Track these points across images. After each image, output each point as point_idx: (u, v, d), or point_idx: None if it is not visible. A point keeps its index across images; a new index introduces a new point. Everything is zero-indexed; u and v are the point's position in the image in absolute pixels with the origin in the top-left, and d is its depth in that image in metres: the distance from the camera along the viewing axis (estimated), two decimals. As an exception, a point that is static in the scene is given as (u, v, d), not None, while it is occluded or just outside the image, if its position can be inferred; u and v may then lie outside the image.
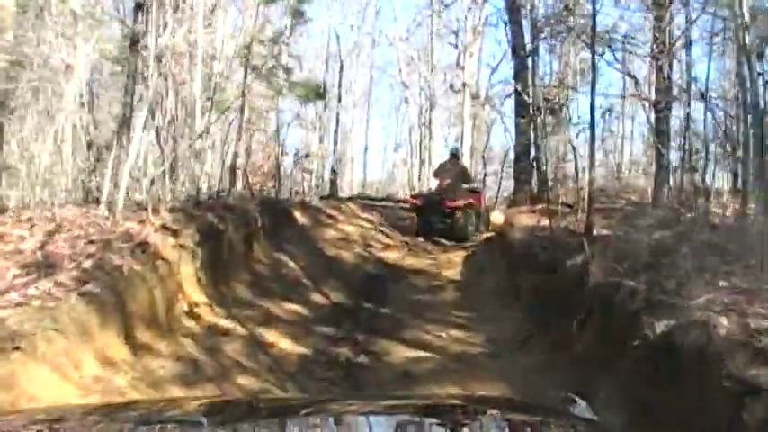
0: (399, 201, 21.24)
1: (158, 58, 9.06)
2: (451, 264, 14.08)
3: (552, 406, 2.82)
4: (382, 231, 17.21)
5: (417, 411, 2.53)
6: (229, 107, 11.55)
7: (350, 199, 19.63)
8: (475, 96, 24.21)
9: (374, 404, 2.72)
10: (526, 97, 13.77)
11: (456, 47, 32.23)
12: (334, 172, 20.84)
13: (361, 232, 16.53)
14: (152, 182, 9.45)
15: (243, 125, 12.41)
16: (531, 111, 13.49)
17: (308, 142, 43.21)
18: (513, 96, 14.85)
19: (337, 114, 21.32)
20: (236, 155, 12.37)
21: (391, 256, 15.00)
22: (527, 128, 14.43)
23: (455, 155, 17.85)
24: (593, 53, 10.33)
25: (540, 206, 12.62)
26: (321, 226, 15.70)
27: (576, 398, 2.41)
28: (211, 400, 3.92)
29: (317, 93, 11.77)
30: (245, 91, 11.53)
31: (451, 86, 27.25)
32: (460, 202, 15.93)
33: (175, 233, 8.99)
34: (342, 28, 37.37)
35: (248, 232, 11.65)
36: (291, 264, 12.54)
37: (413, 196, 17.82)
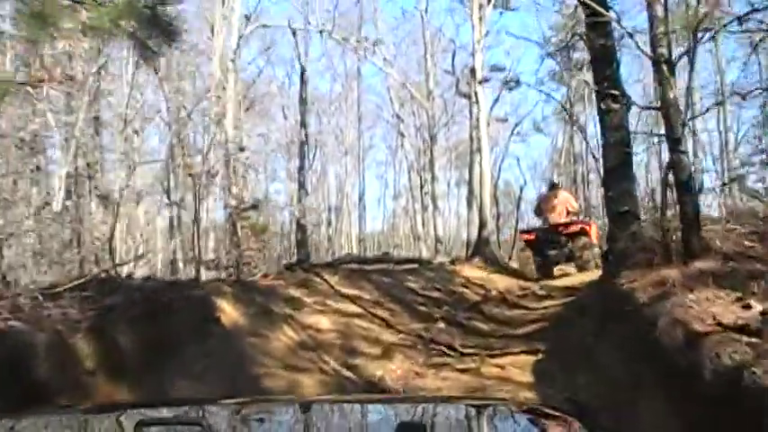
0: (402, 261, 13.93)
1: None
2: (513, 387, 6.77)
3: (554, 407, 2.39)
4: (379, 318, 9.82)
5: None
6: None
7: (330, 265, 12.38)
8: (509, 82, 16.82)
9: (376, 403, 2.58)
10: (647, 49, 6.33)
11: (452, 73, 25.63)
12: (302, 229, 13.30)
13: (343, 324, 9.14)
14: None
15: None
16: (662, 64, 6.08)
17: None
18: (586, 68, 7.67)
19: (301, 143, 13.91)
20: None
21: (395, 372, 7.69)
22: (620, 115, 7.30)
23: (555, 185, 15.69)
24: None
25: (698, 265, 5.42)
26: (270, 323, 8.35)
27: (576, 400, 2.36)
28: (211, 400, 3.27)
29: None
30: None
31: (464, 95, 19.78)
32: (575, 228, 13.82)
33: None
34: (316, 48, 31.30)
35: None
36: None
37: (522, 232, 15.88)
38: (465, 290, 12.33)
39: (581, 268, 13.30)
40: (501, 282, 13.18)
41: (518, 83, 18.01)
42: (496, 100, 22.15)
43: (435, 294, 11.82)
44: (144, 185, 16.76)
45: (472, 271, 13.91)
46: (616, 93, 7.29)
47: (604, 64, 7.53)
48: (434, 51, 25.93)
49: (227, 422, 2.20)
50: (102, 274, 7.69)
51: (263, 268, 12.12)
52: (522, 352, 7.76)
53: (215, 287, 8.58)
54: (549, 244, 13.76)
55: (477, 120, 15.71)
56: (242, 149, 12.34)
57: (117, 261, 7.97)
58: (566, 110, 22.80)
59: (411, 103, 30.76)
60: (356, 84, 34.43)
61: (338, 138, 40.69)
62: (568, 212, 14.15)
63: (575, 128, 35.44)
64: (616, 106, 7.33)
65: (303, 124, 13.65)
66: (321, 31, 15.76)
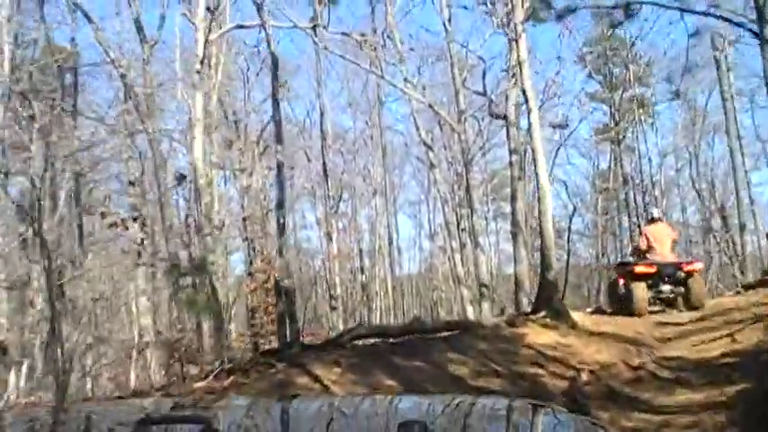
0: (439, 328, 9.30)
1: None
2: None
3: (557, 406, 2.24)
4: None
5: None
6: None
7: (334, 344, 7.80)
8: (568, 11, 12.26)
9: (377, 402, 2.41)
10: None
11: (484, 93, 21.41)
12: (286, 295, 8.41)
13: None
14: None
15: None
16: None
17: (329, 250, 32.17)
18: None
19: (278, 167, 9.00)
20: None
21: None
22: None
23: (656, 218, 13.38)
24: None
25: None
26: None
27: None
28: (215, 400, 3.44)
29: None
30: None
31: (498, 116, 15.79)
32: (697, 266, 12.60)
33: None
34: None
35: None
36: None
37: (636, 264, 12.73)
38: (539, 371, 7.69)
39: (690, 308, 11.74)
40: (589, 350, 8.53)
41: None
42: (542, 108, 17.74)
43: (494, 383, 7.21)
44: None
45: (541, 334, 9.26)
46: None
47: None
48: (462, 66, 21.66)
49: (230, 421, 2.00)
50: None
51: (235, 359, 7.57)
52: None
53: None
54: (666, 279, 12.23)
55: (529, 125, 11.17)
56: (182, 177, 7.91)
57: None
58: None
59: (441, 135, 26.66)
60: (378, 116, 30.35)
61: (366, 178, 36.70)
62: (674, 244, 13.06)
63: (621, 146, 30.99)
64: None
65: (279, 138, 9.06)
66: (315, 27, 11.42)
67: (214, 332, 8.87)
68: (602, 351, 8.52)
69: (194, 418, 1.83)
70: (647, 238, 12.64)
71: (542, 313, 10.43)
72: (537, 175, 11.25)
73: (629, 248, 16.81)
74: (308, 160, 33.44)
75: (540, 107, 22.49)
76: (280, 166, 8.83)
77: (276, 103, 9.24)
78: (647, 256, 12.36)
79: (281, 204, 8.34)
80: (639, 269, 12.23)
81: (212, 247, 9.98)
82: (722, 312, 9.92)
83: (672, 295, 12.29)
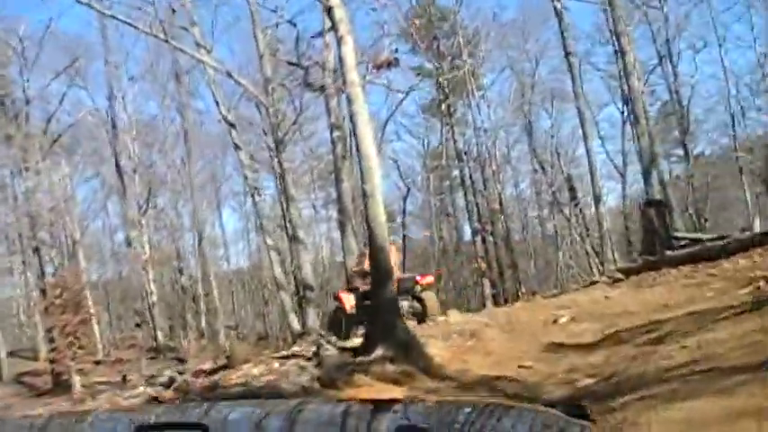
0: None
1: None
2: None
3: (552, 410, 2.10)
4: None
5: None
6: None
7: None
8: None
9: (377, 407, 2.23)
10: None
11: (298, 64, 17.64)
12: None
13: None
14: None
15: None
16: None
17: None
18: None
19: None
20: None
21: None
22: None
23: None
24: None
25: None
26: None
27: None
28: (213, 404, 3.24)
29: None
30: None
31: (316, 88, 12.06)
32: (429, 279, 13.00)
33: None
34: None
35: None
36: None
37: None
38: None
39: (420, 321, 11.43)
40: None
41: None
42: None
43: None
44: None
45: (382, 396, 5.28)
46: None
47: None
48: (264, 29, 17.55)
49: (228, 424, 1.99)
50: None
51: None
52: None
53: None
54: (404, 294, 11.65)
55: (341, 62, 7.07)
56: None
57: None
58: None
59: (261, 120, 22.23)
60: (179, 95, 25.43)
61: (180, 171, 31.58)
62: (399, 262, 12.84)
63: (453, 120, 27.84)
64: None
65: None
66: None
67: None
68: None
69: (194, 424, 1.75)
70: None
71: (380, 351, 6.46)
72: (356, 139, 7.22)
73: (349, 272, 15.30)
74: (113, 156, 28.13)
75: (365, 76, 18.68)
76: None
77: None
78: None
79: None
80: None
81: None
82: (648, 326, 6.33)
83: (411, 310, 11.86)
